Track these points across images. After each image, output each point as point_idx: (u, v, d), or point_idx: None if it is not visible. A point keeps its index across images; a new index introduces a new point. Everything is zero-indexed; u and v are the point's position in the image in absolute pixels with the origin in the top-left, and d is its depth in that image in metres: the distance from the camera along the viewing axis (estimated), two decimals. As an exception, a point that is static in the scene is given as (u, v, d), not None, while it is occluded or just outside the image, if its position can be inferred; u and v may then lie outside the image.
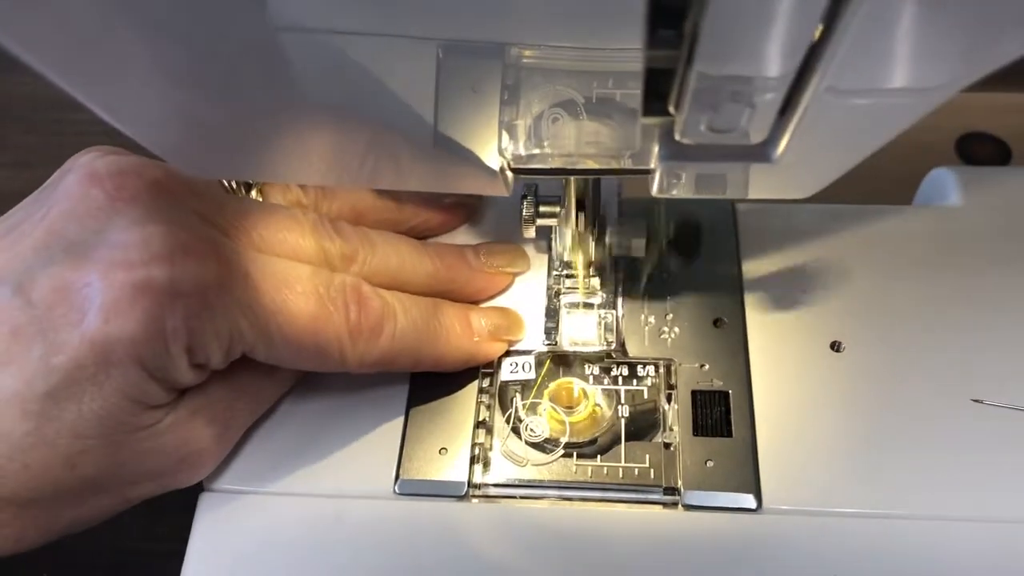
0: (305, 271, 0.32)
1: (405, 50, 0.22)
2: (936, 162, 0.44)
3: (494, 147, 0.26)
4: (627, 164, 0.26)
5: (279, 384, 0.36)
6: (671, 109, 0.21)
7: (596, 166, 0.27)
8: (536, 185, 0.36)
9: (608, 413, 0.36)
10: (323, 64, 0.22)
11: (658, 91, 0.20)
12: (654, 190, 0.26)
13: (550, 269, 0.39)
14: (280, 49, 0.21)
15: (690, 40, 0.18)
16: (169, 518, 0.36)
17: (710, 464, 0.34)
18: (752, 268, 0.39)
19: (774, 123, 0.22)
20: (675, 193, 0.26)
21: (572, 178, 0.33)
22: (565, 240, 0.37)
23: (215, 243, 0.31)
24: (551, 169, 0.28)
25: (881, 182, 0.41)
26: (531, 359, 0.37)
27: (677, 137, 0.22)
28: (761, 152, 0.23)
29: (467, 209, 0.41)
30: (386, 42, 0.22)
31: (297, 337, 0.32)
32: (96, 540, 0.43)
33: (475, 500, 0.34)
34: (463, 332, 0.36)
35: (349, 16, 0.21)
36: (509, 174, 0.28)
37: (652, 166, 0.25)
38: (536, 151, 0.27)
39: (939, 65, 0.20)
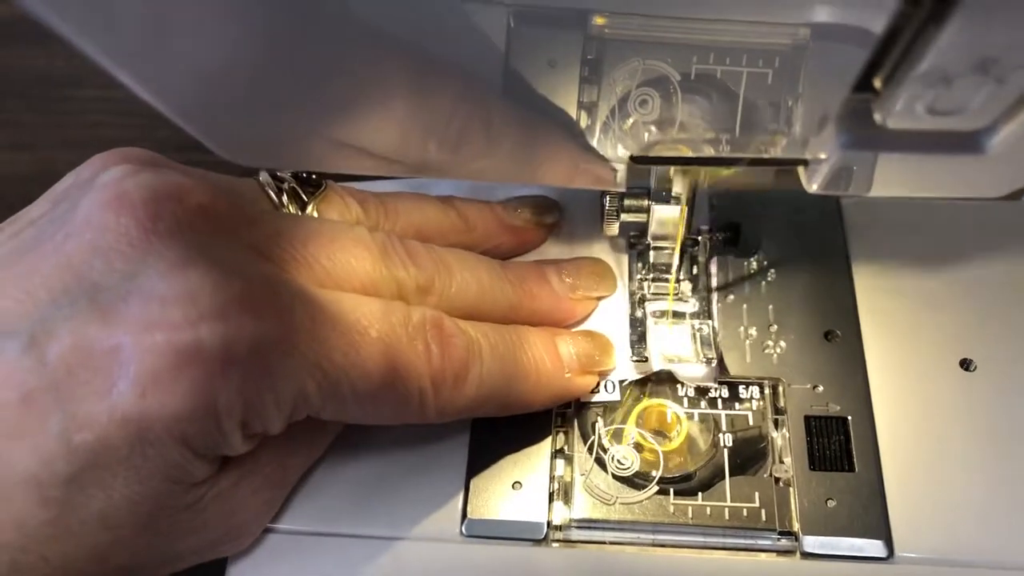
0: (377, 309, 0.27)
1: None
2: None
3: (610, 129, 0.21)
4: (779, 153, 0.21)
5: (334, 431, 0.31)
6: (877, 84, 0.16)
7: (734, 154, 0.22)
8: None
9: (707, 443, 0.31)
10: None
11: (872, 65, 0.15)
12: (813, 187, 0.21)
13: (631, 273, 0.34)
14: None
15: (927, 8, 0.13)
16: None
17: (831, 504, 0.29)
18: (864, 271, 0.34)
19: (1004, 106, 0.17)
20: (837, 190, 0.21)
21: (682, 169, 0.28)
22: (657, 235, 0.32)
23: (275, 288, 0.25)
24: (674, 158, 0.23)
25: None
26: (616, 379, 0.32)
27: (879, 120, 0.17)
28: (974, 142, 0.18)
29: (544, 230, 0.35)
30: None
31: (372, 393, 0.26)
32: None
33: (555, 544, 0.30)
34: (553, 367, 0.30)
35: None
36: (621, 167, 0.23)
37: (819, 156, 0.20)
38: (660, 136, 0.22)
39: None
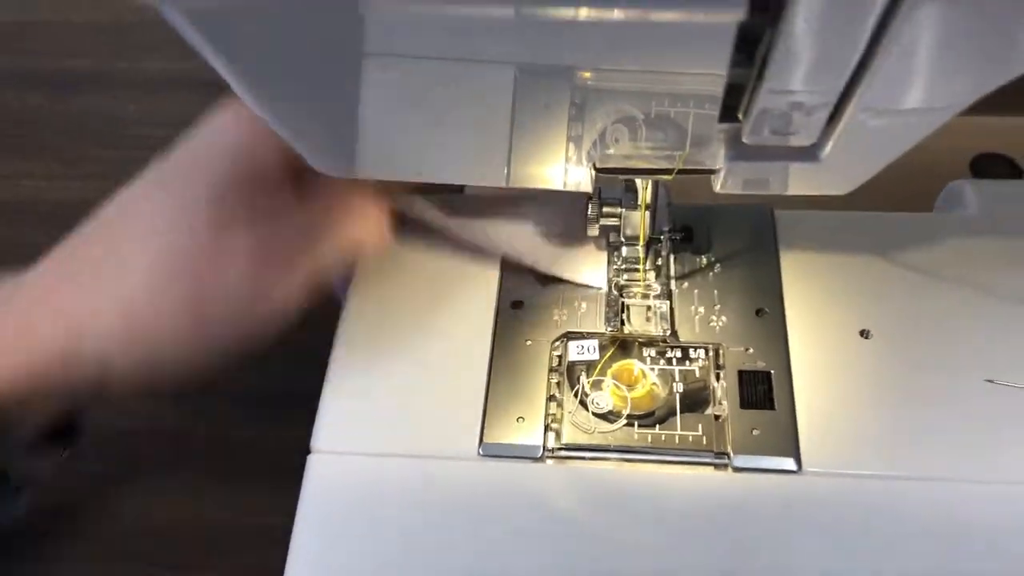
0: None
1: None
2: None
3: (583, 151, 0.32)
4: (696, 165, 0.32)
5: None
6: (740, 116, 0.26)
7: (667, 166, 0.32)
8: (600, 189, 0.41)
9: (664, 390, 0.41)
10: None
11: (731, 103, 0.26)
12: (717, 187, 0.31)
13: (610, 263, 0.44)
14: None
15: (760, 64, 0.24)
16: (250, 496, 0.42)
17: (755, 432, 0.39)
18: (790, 266, 0.44)
19: (823, 130, 0.27)
20: (734, 190, 0.31)
21: (643, 182, 0.38)
22: (628, 235, 0.42)
23: None
24: (628, 168, 0.33)
25: (901, 200, 0.46)
26: (595, 343, 0.42)
27: (744, 139, 0.27)
28: (811, 153, 0.28)
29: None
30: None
31: None
32: (189, 517, 0.49)
33: (549, 461, 0.39)
34: None
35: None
36: (593, 173, 0.33)
37: (717, 166, 0.30)
38: (617, 154, 0.32)
39: (951, 88, 0.26)
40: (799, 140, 0.27)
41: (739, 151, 0.28)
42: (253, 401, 0.52)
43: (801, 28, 0.21)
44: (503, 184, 0.36)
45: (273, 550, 0.39)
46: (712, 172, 0.31)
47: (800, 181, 0.30)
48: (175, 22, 0.25)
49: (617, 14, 0.21)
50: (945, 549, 0.36)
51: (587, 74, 0.30)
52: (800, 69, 0.23)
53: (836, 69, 0.24)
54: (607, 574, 0.37)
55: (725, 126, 0.27)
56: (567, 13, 0.22)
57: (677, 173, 0.32)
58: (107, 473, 0.51)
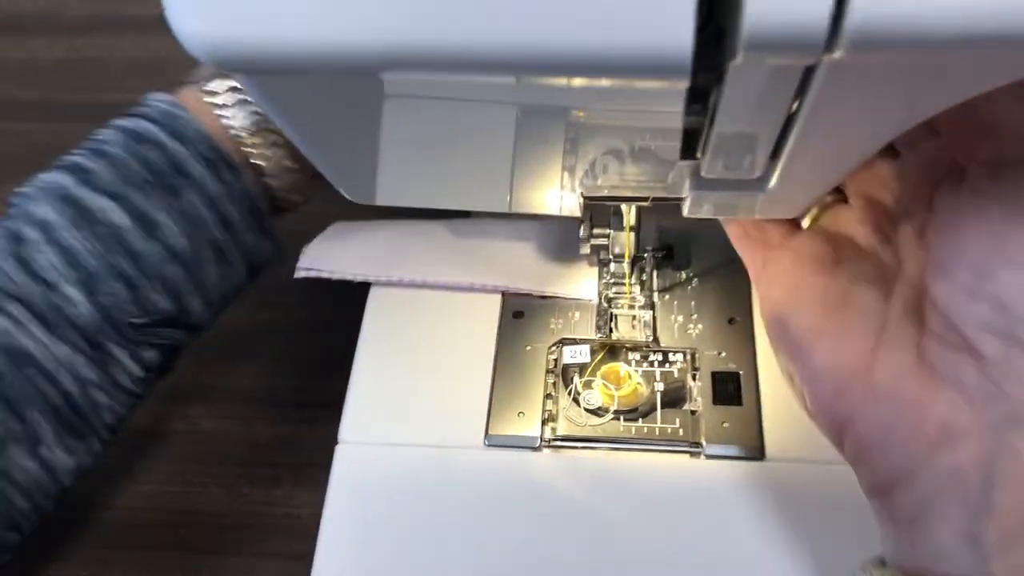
0: None
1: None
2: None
3: (573, 182, 0.38)
4: (668, 193, 0.38)
5: None
6: (699, 155, 0.32)
7: (645, 194, 0.38)
8: (592, 214, 0.47)
9: (647, 389, 0.47)
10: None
11: (689, 143, 0.32)
12: (685, 212, 0.37)
13: (600, 278, 0.50)
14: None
15: (712, 111, 0.30)
16: (281, 490, 0.48)
17: (725, 425, 0.45)
18: (759, 280, 0.50)
19: (767, 165, 0.33)
20: (701, 214, 0.37)
21: (627, 207, 0.44)
22: (616, 253, 0.48)
23: None
24: (612, 196, 0.39)
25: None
26: (587, 347, 0.48)
27: (702, 174, 0.33)
28: (759, 185, 0.34)
29: None
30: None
31: None
32: (221, 507, 0.54)
33: (546, 451, 0.45)
34: None
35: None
36: (582, 201, 0.39)
37: (684, 195, 0.36)
38: (602, 184, 0.38)
39: (875, 129, 0.31)
40: (747, 174, 0.33)
41: (699, 183, 0.34)
42: (279, 402, 0.57)
43: (735, 95, 0.27)
44: (506, 209, 0.42)
45: (300, 537, 0.45)
46: (680, 200, 0.37)
47: (755, 207, 0.36)
48: (236, 79, 0.31)
49: (592, 82, 0.27)
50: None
51: (580, 113, 0.36)
52: (741, 119, 0.29)
53: (768, 122, 0.30)
54: (595, 548, 0.42)
55: (687, 163, 0.33)
56: (555, 82, 0.27)
57: (653, 200, 0.38)
58: (130, 464, 0.57)
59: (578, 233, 0.47)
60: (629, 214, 0.45)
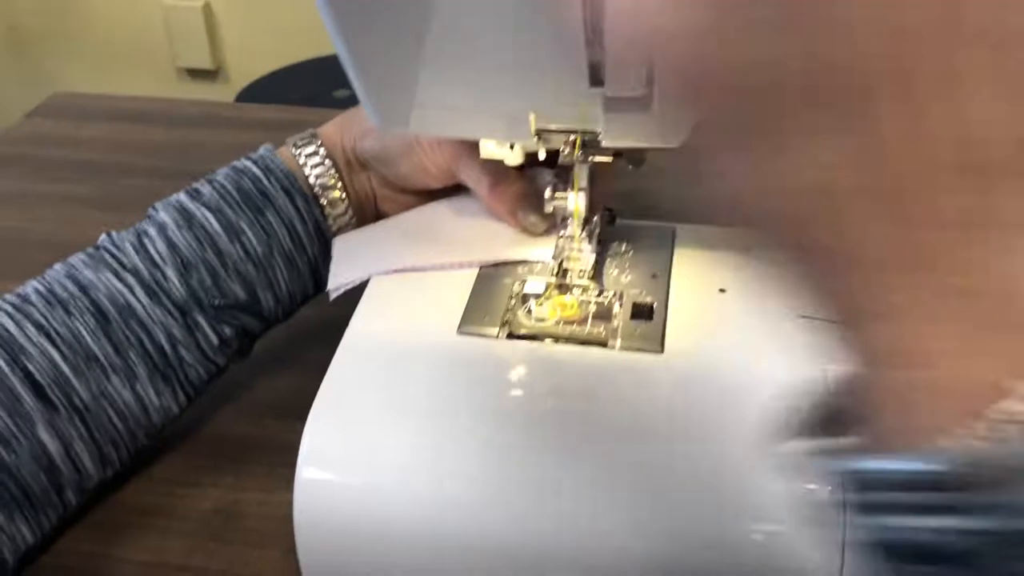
0: None
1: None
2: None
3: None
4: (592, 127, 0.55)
5: None
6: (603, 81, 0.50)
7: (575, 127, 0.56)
8: (556, 182, 0.64)
9: (583, 310, 0.62)
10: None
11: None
12: (604, 142, 0.54)
13: (558, 236, 0.67)
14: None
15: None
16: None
17: (638, 332, 0.60)
18: (679, 253, 0.66)
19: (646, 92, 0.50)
20: (618, 143, 0.54)
21: (577, 169, 0.61)
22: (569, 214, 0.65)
23: None
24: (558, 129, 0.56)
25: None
26: (543, 281, 0.64)
27: (607, 94, 0.51)
28: (644, 105, 0.51)
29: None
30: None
31: None
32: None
33: (504, 340, 0.60)
34: None
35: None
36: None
37: (599, 128, 0.54)
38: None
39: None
40: (634, 92, 0.50)
41: (608, 105, 0.51)
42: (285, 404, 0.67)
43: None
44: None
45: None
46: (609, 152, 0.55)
47: (653, 133, 0.53)
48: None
49: None
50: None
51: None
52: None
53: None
54: (533, 406, 0.57)
55: (596, 89, 0.50)
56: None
57: (583, 134, 0.56)
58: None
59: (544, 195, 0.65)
60: (578, 177, 0.63)
